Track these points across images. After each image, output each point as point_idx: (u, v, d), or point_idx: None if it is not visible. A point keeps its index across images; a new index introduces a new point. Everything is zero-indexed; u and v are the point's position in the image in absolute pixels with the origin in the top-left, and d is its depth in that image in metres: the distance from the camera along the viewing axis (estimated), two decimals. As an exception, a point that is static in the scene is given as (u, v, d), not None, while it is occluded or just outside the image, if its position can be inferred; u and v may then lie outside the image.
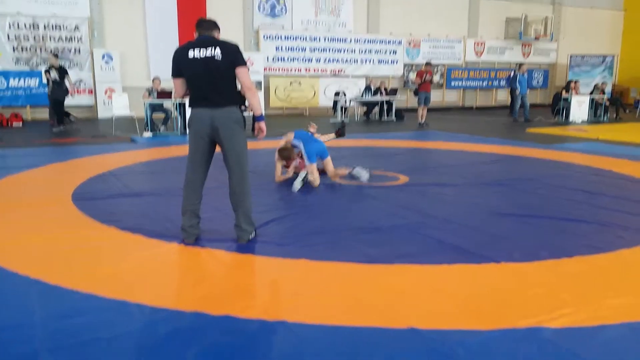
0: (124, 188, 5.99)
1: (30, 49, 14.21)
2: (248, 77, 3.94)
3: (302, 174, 5.97)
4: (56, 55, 12.03)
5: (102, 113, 14.86)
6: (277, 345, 2.51)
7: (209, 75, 3.84)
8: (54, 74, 11.35)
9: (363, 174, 6.23)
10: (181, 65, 3.94)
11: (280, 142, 6.30)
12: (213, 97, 3.89)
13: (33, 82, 14.23)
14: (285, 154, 6.03)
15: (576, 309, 2.88)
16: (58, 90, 11.42)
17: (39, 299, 2.98)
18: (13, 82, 14.04)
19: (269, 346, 2.51)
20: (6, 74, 13.92)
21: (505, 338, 2.57)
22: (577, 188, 6.06)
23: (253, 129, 4.30)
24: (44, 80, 13.20)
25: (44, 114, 13.89)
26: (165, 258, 3.69)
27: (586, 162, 7.91)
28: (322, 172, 6.25)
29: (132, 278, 3.32)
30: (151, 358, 2.38)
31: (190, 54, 3.85)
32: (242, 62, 3.88)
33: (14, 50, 14.02)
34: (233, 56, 3.85)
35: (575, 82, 15.86)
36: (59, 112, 11.68)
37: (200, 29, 3.97)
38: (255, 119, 4.17)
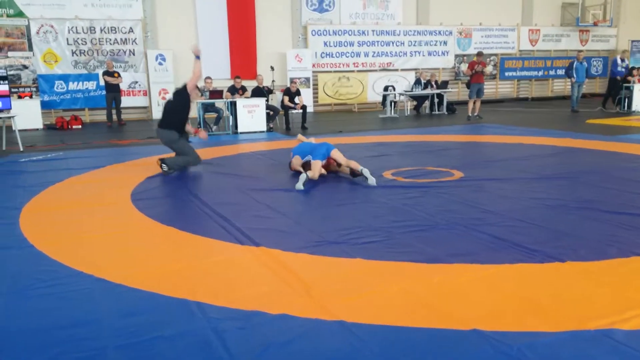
0: (180, 188, 6.11)
1: (87, 52, 14.72)
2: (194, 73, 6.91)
3: (302, 176, 5.92)
4: None
5: (156, 114, 15.21)
6: (335, 346, 2.48)
7: (165, 110, 7.10)
8: None
9: (370, 177, 5.99)
10: None
11: (294, 163, 6.59)
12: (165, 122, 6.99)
13: (91, 85, 14.74)
14: (308, 167, 6.38)
15: (649, 309, 2.73)
16: None
17: (103, 297, 3.07)
18: (72, 86, 14.59)
19: (327, 346, 2.48)
20: (66, 78, 14.47)
21: (575, 340, 2.46)
22: (644, 181, 5.77)
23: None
24: (101, 82, 13.71)
25: (101, 116, 14.37)
26: (222, 257, 3.73)
27: (652, 153, 7.53)
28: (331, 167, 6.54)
29: (192, 276, 3.37)
30: (212, 356, 2.40)
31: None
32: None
33: (72, 54, 14.56)
34: (181, 89, 6.94)
35: (638, 69, 15.12)
36: None
37: None
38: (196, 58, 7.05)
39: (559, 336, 2.50)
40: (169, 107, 7.03)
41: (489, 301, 2.90)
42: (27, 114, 12.11)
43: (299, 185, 5.80)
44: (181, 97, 6.87)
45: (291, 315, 2.77)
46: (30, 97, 13.46)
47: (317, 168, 6.14)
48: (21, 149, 9.17)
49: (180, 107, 6.87)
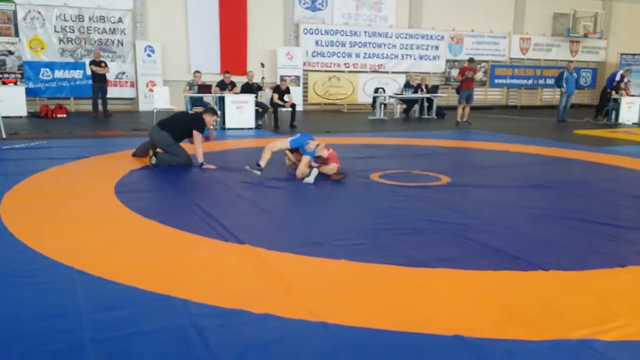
0: (164, 182, 6.05)
1: (75, 40, 14.54)
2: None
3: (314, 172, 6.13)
4: None
5: (142, 106, 15.09)
6: (317, 347, 2.46)
7: (176, 117, 7.47)
8: None
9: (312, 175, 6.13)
10: None
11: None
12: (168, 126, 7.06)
13: (77, 74, 14.56)
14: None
15: (630, 320, 2.75)
16: None
17: (83, 289, 3.02)
18: (58, 74, 14.40)
19: (308, 347, 2.46)
20: (52, 65, 14.29)
21: (556, 349, 2.46)
22: (628, 193, 5.83)
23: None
24: (88, 72, 13.56)
25: (87, 105, 14.21)
26: (205, 253, 3.69)
27: (637, 166, 7.60)
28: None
29: (173, 271, 3.33)
30: (192, 353, 2.36)
31: None
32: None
33: (59, 41, 14.37)
34: (201, 118, 7.08)
35: (626, 83, 15.31)
36: None
37: None
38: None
39: (540, 345, 2.50)
40: (182, 117, 7.42)
41: (472, 307, 2.89)
42: (11, 101, 11.92)
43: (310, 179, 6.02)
44: (198, 123, 6.99)
45: (274, 314, 2.74)
46: (15, 83, 13.27)
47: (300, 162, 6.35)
48: (4, 137, 9.02)
49: (189, 127, 6.97)
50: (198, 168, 6.76)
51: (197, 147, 6.92)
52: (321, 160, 6.41)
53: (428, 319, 2.73)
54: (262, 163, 6.27)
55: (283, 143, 6.50)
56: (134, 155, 7.40)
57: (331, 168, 6.26)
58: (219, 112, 11.04)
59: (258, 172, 6.23)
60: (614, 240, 4.13)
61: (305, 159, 6.23)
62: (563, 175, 6.99)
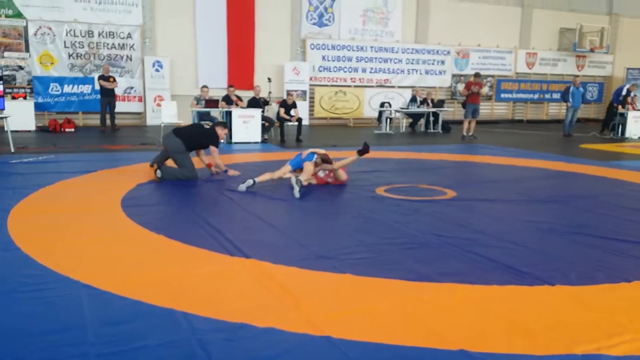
0: (171, 196, 6.08)
1: (84, 55, 14.69)
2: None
3: (293, 179, 6.18)
4: None
5: (150, 120, 15.19)
6: (322, 362, 2.46)
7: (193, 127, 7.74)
8: None
9: (295, 187, 6.12)
10: None
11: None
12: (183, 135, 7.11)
13: (86, 89, 14.68)
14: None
15: (637, 335, 2.74)
16: None
17: (89, 303, 3.03)
18: (67, 89, 14.53)
19: (314, 362, 2.45)
20: (61, 80, 14.43)
21: (562, 365, 2.45)
22: (635, 208, 5.80)
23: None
24: (97, 87, 13.68)
25: (95, 120, 14.32)
26: (211, 267, 3.70)
27: (644, 180, 7.57)
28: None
29: (179, 286, 3.34)
30: (197, 370, 2.36)
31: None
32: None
33: (69, 57, 14.52)
34: (215, 133, 7.36)
35: (633, 97, 15.28)
36: None
37: None
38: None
39: (546, 360, 2.49)
40: (198, 129, 7.60)
41: (477, 322, 2.88)
42: (20, 115, 12.04)
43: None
44: (213, 139, 7.26)
45: (278, 329, 2.74)
46: (24, 98, 13.41)
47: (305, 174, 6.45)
48: (12, 150, 9.10)
49: (205, 140, 7.25)
50: (209, 179, 6.81)
51: (216, 159, 7.30)
52: (327, 161, 6.58)
53: (433, 334, 2.73)
54: (256, 180, 6.33)
55: (284, 169, 6.57)
56: (151, 165, 7.29)
57: (340, 173, 6.71)
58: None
59: (251, 182, 6.27)
60: (620, 255, 4.11)
61: (308, 164, 6.34)
62: (569, 189, 6.97)
